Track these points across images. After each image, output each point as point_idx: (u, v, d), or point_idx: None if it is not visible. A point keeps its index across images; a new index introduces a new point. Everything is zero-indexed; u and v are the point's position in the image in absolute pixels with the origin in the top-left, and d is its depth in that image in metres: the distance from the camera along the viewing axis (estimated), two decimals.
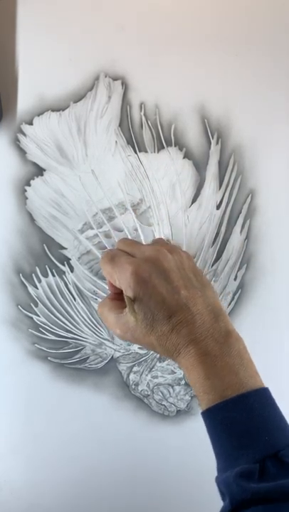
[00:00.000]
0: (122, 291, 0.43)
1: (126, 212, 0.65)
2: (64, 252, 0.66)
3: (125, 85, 0.64)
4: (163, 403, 0.68)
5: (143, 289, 0.39)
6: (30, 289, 0.66)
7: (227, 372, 0.37)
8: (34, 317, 0.66)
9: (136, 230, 0.65)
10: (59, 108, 0.64)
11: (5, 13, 0.63)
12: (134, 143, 0.65)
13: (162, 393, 0.68)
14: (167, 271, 0.41)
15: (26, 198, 0.65)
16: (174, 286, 0.40)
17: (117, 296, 0.45)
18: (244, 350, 0.39)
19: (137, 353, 0.68)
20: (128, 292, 0.40)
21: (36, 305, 0.66)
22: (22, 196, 0.65)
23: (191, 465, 0.69)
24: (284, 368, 0.69)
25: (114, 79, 0.64)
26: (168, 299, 0.39)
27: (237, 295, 0.67)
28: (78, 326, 0.67)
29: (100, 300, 0.66)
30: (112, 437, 0.68)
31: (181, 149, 0.65)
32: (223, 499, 0.35)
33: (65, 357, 0.67)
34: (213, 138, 0.65)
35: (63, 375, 0.67)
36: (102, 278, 0.66)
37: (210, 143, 0.65)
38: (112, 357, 0.68)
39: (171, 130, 0.65)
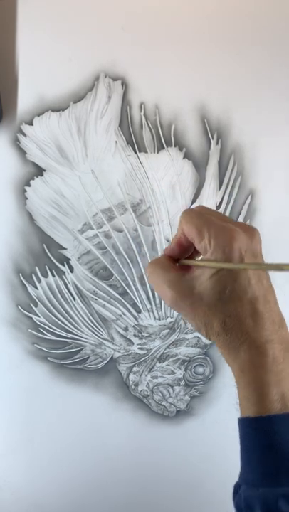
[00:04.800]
0: (178, 257, 0.40)
1: (126, 213, 0.65)
2: (64, 252, 0.66)
3: (125, 85, 0.64)
4: (163, 403, 0.68)
5: (235, 260, 0.35)
6: (30, 289, 0.66)
7: (288, 382, 0.34)
8: (34, 317, 0.66)
9: (136, 230, 0.65)
10: (59, 108, 0.64)
11: (5, 13, 0.63)
12: (134, 143, 0.65)
13: (162, 393, 0.68)
14: (259, 254, 0.37)
15: (26, 198, 0.65)
16: (260, 272, 0.37)
17: (172, 259, 0.40)
18: None
19: (136, 353, 0.68)
20: (217, 255, 0.35)
21: (36, 305, 0.66)
22: (22, 196, 0.65)
23: (191, 464, 0.69)
24: None
25: (114, 79, 0.64)
26: (253, 282, 0.35)
27: None
28: (78, 326, 0.67)
29: (99, 300, 0.66)
30: (112, 437, 0.68)
31: (181, 149, 0.65)
32: (243, 509, 0.34)
33: (64, 357, 0.67)
34: (213, 138, 0.65)
35: (63, 375, 0.67)
36: (102, 278, 0.66)
37: (210, 143, 0.65)
38: (112, 357, 0.68)
39: (171, 130, 0.65)
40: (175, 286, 0.37)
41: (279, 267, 0.31)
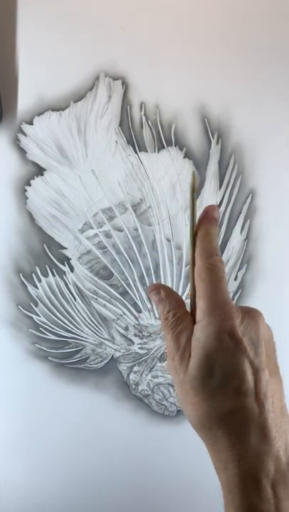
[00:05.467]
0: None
1: (126, 212, 0.65)
2: (64, 251, 0.66)
3: (125, 85, 0.64)
4: (163, 403, 0.68)
5: (227, 341, 0.30)
6: (31, 288, 0.66)
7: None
8: (34, 317, 0.66)
9: (136, 229, 0.65)
10: (59, 108, 0.64)
11: (5, 13, 0.63)
12: (134, 143, 0.65)
13: (162, 393, 0.68)
14: (259, 340, 0.32)
15: (26, 198, 0.65)
16: (265, 357, 0.32)
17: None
18: None
19: (137, 353, 0.68)
20: (211, 328, 0.30)
21: (36, 305, 0.66)
22: (22, 196, 0.65)
23: (191, 464, 0.69)
24: (285, 366, 0.69)
25: (115, 79, 0.64)
26: (249, 371, 0.30)
27: (237, 295, 0.67)
28: (78, 326, 0.67)
29: (100, 300, 0.66)
30: (113, 437, 0.68)
31: (181, 149, 0.65)
32: None
33: (65, 357, 0.67)
34: (213, 138, 0.65)
35: (63, 375, 0.67)
36: (103, 278, 0.66)
37: (210, 143, 0.65)
38: (113, 357, 0.68)
39: (171, 130, 0.65)
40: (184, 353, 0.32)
41: None
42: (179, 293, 0.66)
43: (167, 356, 0.33)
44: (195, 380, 0.30)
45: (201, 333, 0.31)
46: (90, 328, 0.67)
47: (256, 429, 0.29)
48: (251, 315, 0.32)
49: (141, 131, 0.65)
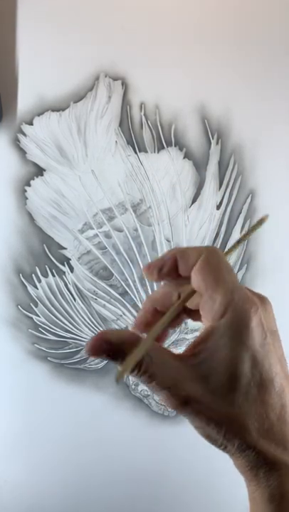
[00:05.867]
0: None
1: (126, 213, 0.65)
2: (64, 252, 0.66)
3: (125, 85, 0.64)
4: (163, 403, 0.68)
5: (255, 337, 0.26)
6: (30, 289, 0.66)
7: None
8: (34, 317, 0.66)
9: (136, 230, 0.65)
10: (59, 108, 0.64)
11: (5, 13, 0.63)
12: (134, 143, 0.65)
13: None
14: (276, 331, 0.30)
15: (26, 198, 0.65)
16: (280, 354, 0.28)
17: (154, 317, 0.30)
18: None
19: None
20: (232, 327, 0.26)
21: (36, 305, 0.66)
22: (22, 196, 0.65)
23: (191, 465, 0.69)
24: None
25: (115, 79, 0.64)
26: (278, 368, 0.27)
27: None
28: (78, 326, 0.67)
29: (100, 300, 0.66)
30: (112, 437, 0.68)
31: (181, 149, 0.65)
32: None
33: (65, 357, 0.67)
34: (213, 138, 0.65)
35: (63, 375, 0.67)
36: (102, 278, 0.66)
37: (210, 143, 0.65)
38: None
39: (171, 130, 0.65)
40: (192, 378, 0.26)
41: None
42: None
43: (168, 398, 0.25)
44: (233, 393, 0.26)
45: (227, 331, 0.26)
46: (89, 329, 0.67)
47: None
48: (266, 304, 0.29)
49: (141, 132, 0.64)
